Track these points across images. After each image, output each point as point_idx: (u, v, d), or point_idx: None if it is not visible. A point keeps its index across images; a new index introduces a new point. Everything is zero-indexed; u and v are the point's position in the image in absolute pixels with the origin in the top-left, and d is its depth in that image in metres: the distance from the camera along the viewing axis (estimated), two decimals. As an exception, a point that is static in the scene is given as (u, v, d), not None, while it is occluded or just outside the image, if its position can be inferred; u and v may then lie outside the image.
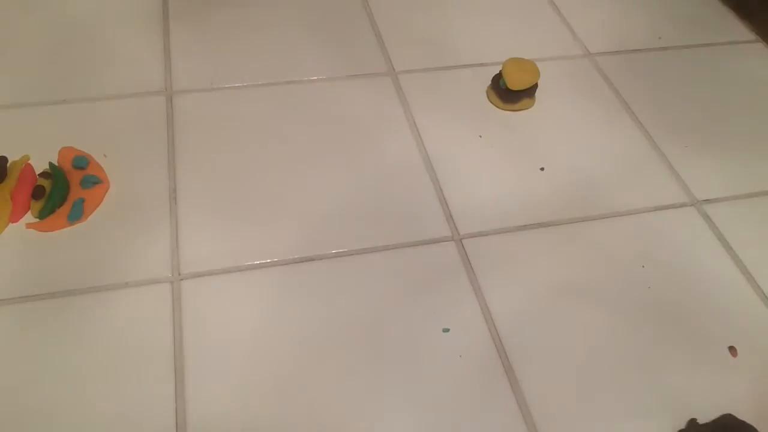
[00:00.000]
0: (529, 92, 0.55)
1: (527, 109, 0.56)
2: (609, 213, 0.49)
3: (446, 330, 0.42)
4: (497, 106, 0.56)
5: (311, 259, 0.45)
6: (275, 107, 0.54)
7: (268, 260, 0.44)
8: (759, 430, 0.38)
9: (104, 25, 0.59)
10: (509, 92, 0.55)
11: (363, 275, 0.44)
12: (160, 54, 0.57)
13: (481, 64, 0.59)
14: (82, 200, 0.45)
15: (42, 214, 0.45)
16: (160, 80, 0.55)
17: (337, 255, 0.45)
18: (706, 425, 0.38)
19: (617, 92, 0.59)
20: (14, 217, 0.45)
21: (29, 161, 0.47)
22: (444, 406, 0.39)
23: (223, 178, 0.49)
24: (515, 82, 0.54)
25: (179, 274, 0.43)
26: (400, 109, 0.55)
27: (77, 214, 0.45)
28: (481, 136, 0.54)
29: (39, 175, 0.47)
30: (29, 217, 0.45)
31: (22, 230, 0.44)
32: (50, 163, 0.47)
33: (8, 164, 0.47)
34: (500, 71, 0.55)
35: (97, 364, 0.39)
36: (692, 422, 0.39)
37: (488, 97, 0.57)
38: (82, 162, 0.47)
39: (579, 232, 0.48)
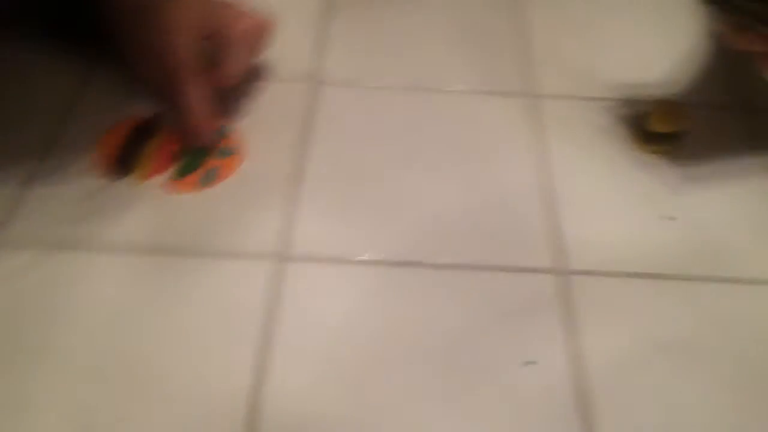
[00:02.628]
0: (674, 138, 0.52)
1: (669, 154, 0.53)
2: (737, 278, 0.45)
3: (529, 363, 0.40)
4: (637, 147, 0.53)
5: (411, 265, 0.45)
6: (410, 112, 0.55)
7: (371, 258, 0.45)
8: None
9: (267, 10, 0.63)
10: (652, 134, 0.52)
11: (458, 290, 0.44)
12: (315, 44, 0.60)
13: (629, 100, 0.57)
14: (217, 168, 0.49)
15: (179, 175, 0.49)
16: (310, 69, 0.58)
17: (436, 266, 0.45)
18: None
19: (778, 153, 0.54)
20: (154, 173, 0.49)
21: (178, 125, 0.52)
22: (512, 440, 0.38)
23: (347, 171, 0.50)
24: (660, 124, 0.51)
25: (286, 254, 0.45)
26: (532, 133, 0.54)
27: (209, 180, 0.48)
28: (613, 174, 0.51)
29: (184, 138, 0.51)
30: (167, 176, 0.49)
31: (159, 185, 0.48)
32: (195, 130, 0.51)
33: (160, 124, 0.51)
34: (647, 110, 0.52)
35: (191, 322, 0.42)
36: None
37: (629, 136, 0.54)
38: (223, 132, 0.51)
39: (698, 292, 0.44)
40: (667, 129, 0.51)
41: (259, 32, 0.50)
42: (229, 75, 0.49)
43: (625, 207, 0.49)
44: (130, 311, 0.42)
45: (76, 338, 0.41)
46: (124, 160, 0.49)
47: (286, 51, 0.59)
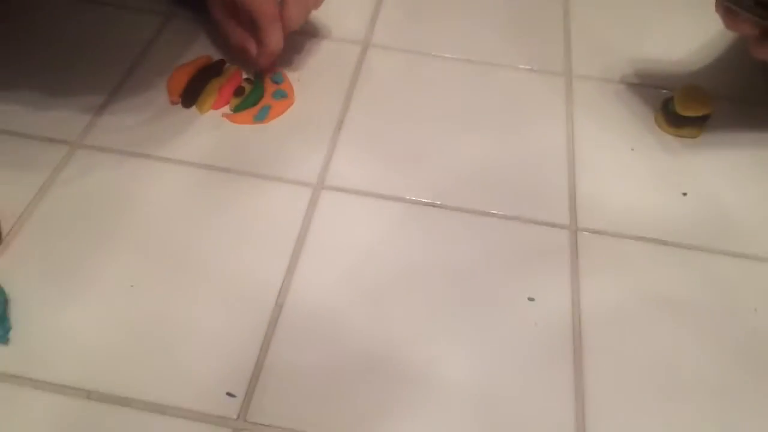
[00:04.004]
0: (698, 122, 0.55)
1: (692, 138, 0.56)
2: (738, 253, 0.48)
3: (531, 299, 0.44)
4: (661, 128, 0.56)
5: (435, 206, 0.49)
6: (452, 80, 0.60)
7: (399, 195, 0.50)
8: None
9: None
10: (677, 117, 0.55)
11: (474, 234, 0.48)
12: (369, 8, 0.65)
13: (661, 88, 0.60)
14: (269, 107, 0.55)
15: (236, 109, 0.55)
16: (361, 32, 0.63)
17: (458, 209, 0.49)
18: None
19: (798, 147, 0.56)
20: (216, 105, 0.55)
21: (240, 68, 0.58)
22: (504, 365, 0.42)
23: (385, 123, 0.55)
24: (685, 107, 0.54)
25: (323, 184, 0.50)
26: (563, 106, 0.58)
27: (262, 116, 0.54)
28: (633, 149, 0.54)
29: (244, 79, 0.57)
30: (226, 109, 0.55)
31: (218, 117, 0.54)
32: (255, 73, 0.57)
33: (225, 66, 0.57)
34: (673, 94, 0.55)
35: (235, 231, 0.47)
36: None
37: (655, 119, 0.57)
38: (279, 78, 0.57)
39: (699, 261, 0.47)
40: (691, 113, 0.54)
41: None
42: (288, 20, 0.54)
43: (641, 179, 0.52)
44: (185, 211, 0.48)
45: (138, 226, 0.47)
46: (190, 93, 0.55)
47: (342, 12, 0.64)
